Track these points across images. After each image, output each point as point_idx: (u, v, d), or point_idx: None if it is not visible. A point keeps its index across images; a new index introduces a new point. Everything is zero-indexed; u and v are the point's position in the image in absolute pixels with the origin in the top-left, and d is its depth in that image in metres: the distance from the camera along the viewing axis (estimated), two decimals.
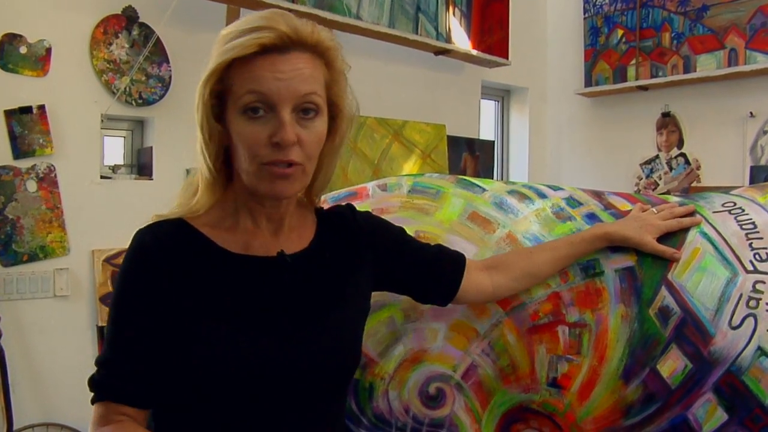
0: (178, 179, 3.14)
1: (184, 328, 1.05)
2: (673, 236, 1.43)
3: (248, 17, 1.09)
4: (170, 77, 3.14)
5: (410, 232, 1.39)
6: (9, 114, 2.71)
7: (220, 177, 1.13)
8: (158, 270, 1.06)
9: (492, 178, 4.72)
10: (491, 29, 4.39)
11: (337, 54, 1.13)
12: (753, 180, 4.08)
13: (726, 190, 1.64)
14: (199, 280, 1.08)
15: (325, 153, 1.15)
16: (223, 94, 1.08)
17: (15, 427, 2.69)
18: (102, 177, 3.00)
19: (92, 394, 1.07)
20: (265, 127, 1.05)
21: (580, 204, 1.55)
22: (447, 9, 4.11)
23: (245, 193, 1.13)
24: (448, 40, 4.12)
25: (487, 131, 5.07)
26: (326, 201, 1.45)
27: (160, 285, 1.06)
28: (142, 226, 1.11)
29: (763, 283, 1.35)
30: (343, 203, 1.35)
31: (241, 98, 1.05)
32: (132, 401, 1.06)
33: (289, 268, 1.14)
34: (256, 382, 1.06)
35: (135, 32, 3.03)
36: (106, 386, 1.06)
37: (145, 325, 1.05)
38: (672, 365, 1.34)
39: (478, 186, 1.60)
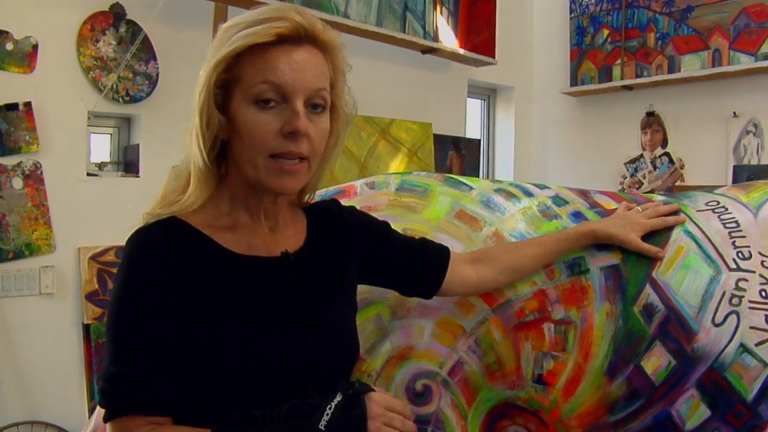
0: (165, 176, 3.12)
1: (201, 330, 1.03)
2: (658, 234, 1.45)
3: (258, 10, 1.08)
4: (157, 74, 3.13)
5: (398, 229, 1.40)
6: None
7: (214, 170, 1.11)
8: (168, 270, 1.03)
9: (478, 177, 4.74)
10: (478, 28, 4.41)
11: (340, 54, 1.14)
12: (736, 179, 4.11)
13: (710, 189, 1.66)
14: (209, 282, 1.06)
15: (322, 152, 1.15)
16: (230, 83, 1.06)
17: None
18: (88, 174, 2.99)
19: (104, 409, 1.01)
20: (276, 117, 1.05)
21: (566, 202, 1.57)
22: (434, 8, 4.12)
23: (243, 188, 1.12)
24: (435, 39, 4.13)
25: (473, 130, 5.09)
26: (313, 198, 1.46)
27: (171, 286, 1.03)
28: (138, 227, 1.08)
29: (746, 280, 1.37)
30: (328, 199, 1.36)
31: (253, 87, 1.04)
32: (160, 410, 1.01)
33: (293, 266, 1.15)
34: (275, 380, 1.06)
35: (122, 29, 3.02)
36: (127, 400, 1.00)
37: (160, 328, 1.01)
38: (656, 362, 1.35)
39: (465, 184, 1.61)
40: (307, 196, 1.27)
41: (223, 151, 1.11)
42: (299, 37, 1.07)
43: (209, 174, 1.10)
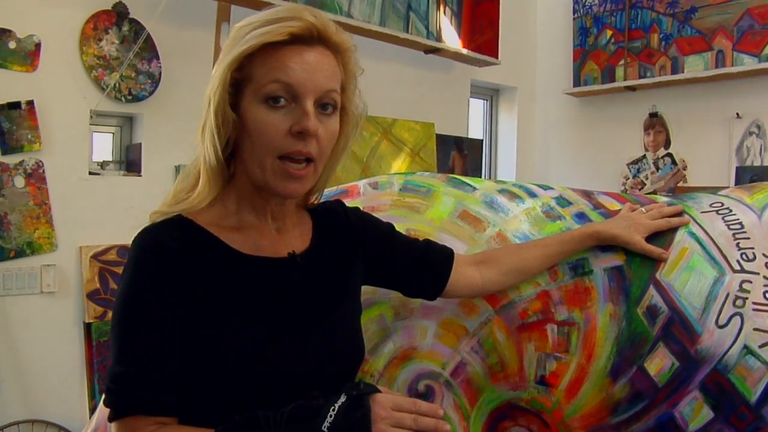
0: (167, 176, 3.13)
1: (207, 330, 1.03)
2: (662, 236, 1.45)
3: (271, 10, 1.08)
4: (160, 74, 3.13)
5: (401, 230, 1.39)
6: None
7: (225, 168, 1.11)
8: (174, 270, 1.03)
9: (480, 177, 4.73)
10: (481, 28, 4.40)
11: (352, 56, 1.14)
12: (738, 180, 4.10)
13: (713, 190, 1.65)
14: (215, 282, 1.06)
15: (329, 155, 1.15)
16: (241, 82, 1.06)
17: (0, 423, 2.68)
18: (90, 173, 2.99)
19: (108, 409, 1.01)
20: (285, 117, 1.04)
21: (570, 203, 1.56)
22: (438, 8, 4.12)
23: (250, 189, 1.12)
24: (439, 38, 4.13)
25: (475, 130, 5.08)
26: (319, 200, 1.46)
27: (177, 285, 1.02)
28: (145, 226, 1.08)
29: (750, 282, 1.37)
30: (333, 200, 1.35)
31: (264, 87, 1.04)
32: (165, 411, 1.01)
33: (300, 267, 1.14)
34: (281, 381, 1.06)
35: (125, 28, 3.02)
36: (132, 400, 1.00)
37: (166, 328, 1.01)
38: (659, 363, 1.35)
39: (468, 185, 1.60)
40: (313, 198, 1.26)
41: (234, 150, 1.11)
42: (311, 38, 1.07)
43: (220, 172, 1.10)
